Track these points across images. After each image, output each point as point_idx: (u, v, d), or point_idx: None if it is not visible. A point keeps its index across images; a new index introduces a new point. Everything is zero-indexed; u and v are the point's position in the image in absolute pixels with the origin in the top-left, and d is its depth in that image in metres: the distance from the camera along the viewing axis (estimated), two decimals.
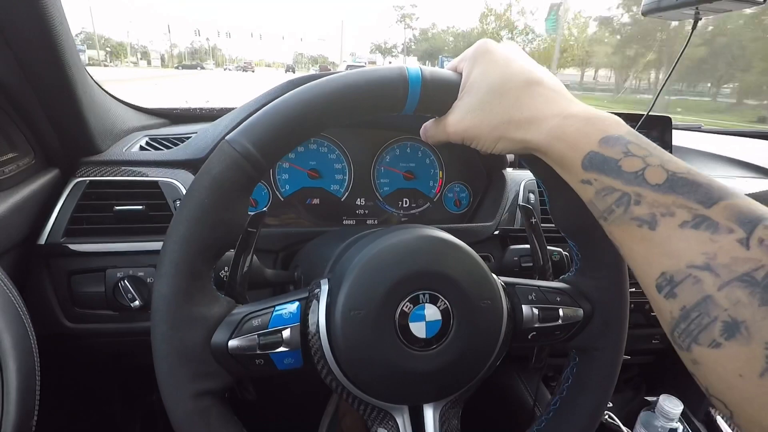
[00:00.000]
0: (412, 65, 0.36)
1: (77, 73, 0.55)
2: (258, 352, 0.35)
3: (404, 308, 0.35)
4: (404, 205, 0.76)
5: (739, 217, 0.26)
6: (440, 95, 0.37)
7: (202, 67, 48.74)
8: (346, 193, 0.73)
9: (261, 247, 0.62)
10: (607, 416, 0.79)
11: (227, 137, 0.34)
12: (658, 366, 0.95)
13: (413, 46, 63.21)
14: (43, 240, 0.56)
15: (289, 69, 54.09)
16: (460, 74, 0.37)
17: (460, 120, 0.37)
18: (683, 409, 0.81)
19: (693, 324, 0.25)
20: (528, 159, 0.40)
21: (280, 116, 0.34)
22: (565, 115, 0.33)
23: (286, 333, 0.36)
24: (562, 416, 0.45)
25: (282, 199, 0.70)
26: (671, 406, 0.81)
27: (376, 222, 0.75)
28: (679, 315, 0.26)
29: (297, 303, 0.37)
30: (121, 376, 0.90)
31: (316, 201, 0.72)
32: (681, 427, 0.82)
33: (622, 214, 0.30)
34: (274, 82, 0.62)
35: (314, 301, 0.37)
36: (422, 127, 0.42)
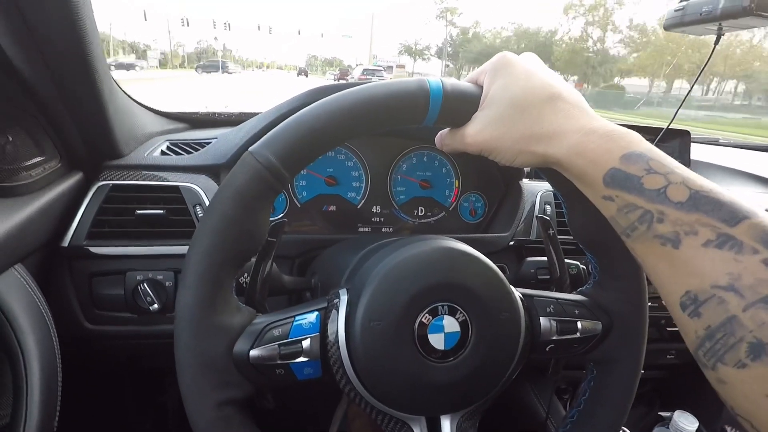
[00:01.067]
0: (433, 77, 0.37)
1: (105, 80, 0.56)
2: (279, 362, 0.35)
3: (423, 320, 0.36)
4: (420, 214, 0.76)
5: (763, 237, 0.26)
6: (461, 108, 0.37)
7: (226, 70, 40.80)
8: (363, 201, 0.73)
9: (278, 254, 0.62)
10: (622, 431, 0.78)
11: (251, 149, 0.35)
12: (673, 381, 0.94)
13: (449, 49, 54.89)
14: (66, 242, 0.58)
15: (302, 72, 50.53)
16: (481, 87, 0.38)
17: (479, 132, 0.37)
18: (698, 426, 0.79)
19: (718, 344, 0.26)
20: (547, 172, 0.40)
21: (302, 128, 0.35)
22: (586, 131, 0.33)
23: (306, 343, 0.36)
24: (580, 430, 0.44)
25: (299, 206, 0.71)
26: (686, 422, 0.80)
27: (391, 230, 0.75)
28: (704, 334, 0.27)
29: (316, 313, 0.38)
30: (134, 377, 0.91)
31: (332, 208, 0.72)
32: None
33: (645, 232, 0.30)
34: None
35: (333, 311, 0.37)
36: (438, 135, 0.42)
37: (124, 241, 0.60)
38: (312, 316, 0.37)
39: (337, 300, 0.38)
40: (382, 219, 0.75)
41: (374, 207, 0.74)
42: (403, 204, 0.75)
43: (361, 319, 0.35)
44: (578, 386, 0.48)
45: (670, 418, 0.82)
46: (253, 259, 0.44)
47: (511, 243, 0.70)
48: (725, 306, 0.26)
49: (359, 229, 0.74)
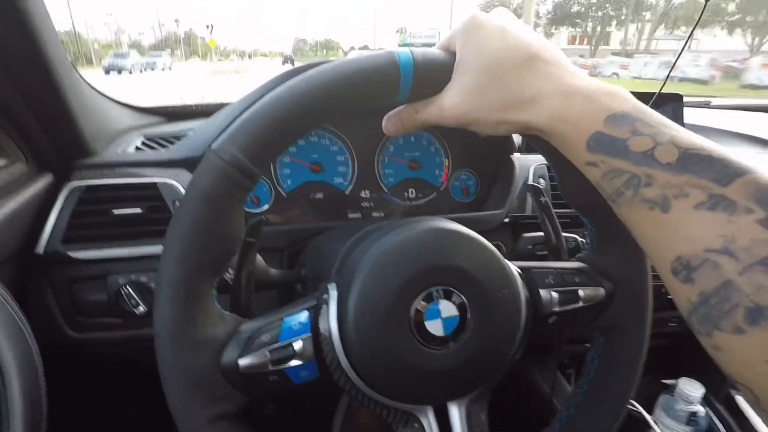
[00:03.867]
0: (403, 49, 0.34)
1: (64, 72, 0.53)
2: (271, 368, 0.33)
3: (418, 306, 0.34)
4: (410, 196, 0.74)
5: (758, 195, 0.24)
6: (434, 78, 0.34)
7: (151, 67, 28.61)
8: (350, 186, 0.71)
9: (265, 246, 0.60)
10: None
11: (213, 146, 0.32)
12: (676, 349, 0.93)
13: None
14: (41, 249, 0.55)
15: (287, 60, 46.27)
16: (453, 53, 0.35)
17: (456, 103, 0.34)
18: (704, 392, 0.79)
19: (713, 309, 0.25)
20: (533, 138, 0.37)
21: (266, 117, 0.32)
22: (567, 93, 0.31)
23: (297, 345, 0.34)
24: (593, 399, 0.43)
25: (284, 195, 0.68)
26: (692, 389, 0.79)
27: (382, 214, 0.73)
28: (698, 300, 0.25)
29: (306, 312, 0.36)
30: (132, 382, 0.89)
31: (319, 195, 0.70)
32: (702, 409, 0.81)
33: (632, 197, 0.28)
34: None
35: (324, 308, 0.35)
36: (389, 116, 0.39)
37: (103, 244, 0.57)
38: (302, 316, 0.35)
39: (327, 296, 0.36)
40: (371, 204, 0.72)
41: (363, 192, 0.72)
42: (392, 187, 0.73)
43: (353, 313, 0.33)
44: (582, 360, 0.46)
45: (675, 386, 0.82)
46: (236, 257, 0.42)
47: (506, 220, 0.68)
48: (719, 270, 0.24)
49: (349, 216, 0.72)
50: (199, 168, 0.32)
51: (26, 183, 0.55)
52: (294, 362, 0.34)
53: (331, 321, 0.34)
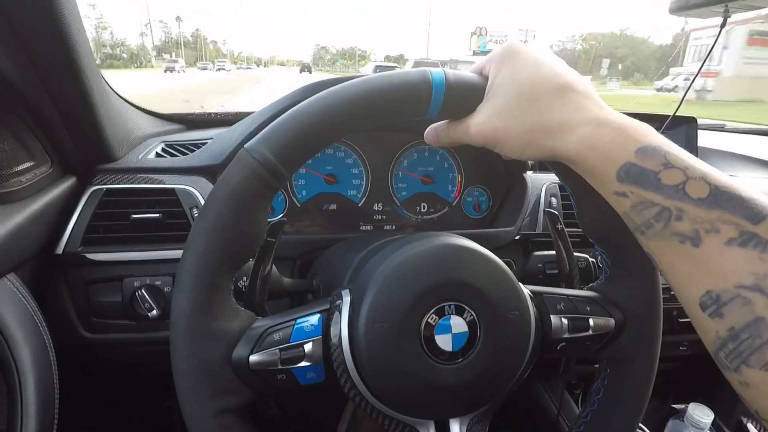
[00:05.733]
0: (436, 69, 0.35)
1: (93, 79, 0.54)
2: (280, 367, 0.34)
3: (429, 320, 0.34)
4: (422, 210, 0.74)
5: None
6: (465, 99, 0.36)
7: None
8: (364, 199, 0.72)
9: (278, 255, 0.60)
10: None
11: (246, 145, 0.33)
12: (686, 373, 0.92)
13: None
14: (60, 249, 0.56)
15: (305, 69, 45.12)
16: (486, 77, 0.36)
17: (484, 123, 0.35)
18: (714, 419, 0.77)
19: (743, 345, 0.25)
20: (556, 165, 0.38)
21: (300, 123, 0.33)
22: (598, 123, 0.32)
23: (308, 347, 0.35)
24: (595, 429, 0.43)
25: (299, 206, 0.69)
26: (701, 415, 0.78)
27: (393, 227, 0.74)
28: (727, 335, 0.26)
29: (318, 315, 0.36)
30: (138, 384, 0.90)
31: (333, 207, 0.71)
32: None
33: (662, 230, 0.29)
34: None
35: (336, 313, 0.36)
36: (429, 128, 0.41)
37: (120, 247, 0.58)
38: (314, 319, 0.36)
39: (340, 301, 0.36)
40: (384, 216, 0.73)
41: (376, 204, 0.72)
42: (405, 200, 0.73)
43: (364, 321, 0.34)
44: (590, 382, 0.46)
45: (684, 411, 0.80)
46: (252, 261, 0.43)
47: (517, 237, 0.68)
48: (751, 307, 0.25)
49: (361, 228, 0.72)
50: (230, 165, 0.33)
51: (51, 185, 0.56)
52: (303, 363, 0.34)
53: (342, 326, 0.35)
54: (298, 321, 0.36)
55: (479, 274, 0.36)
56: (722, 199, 0.27)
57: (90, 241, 0.57)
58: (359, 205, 0.71)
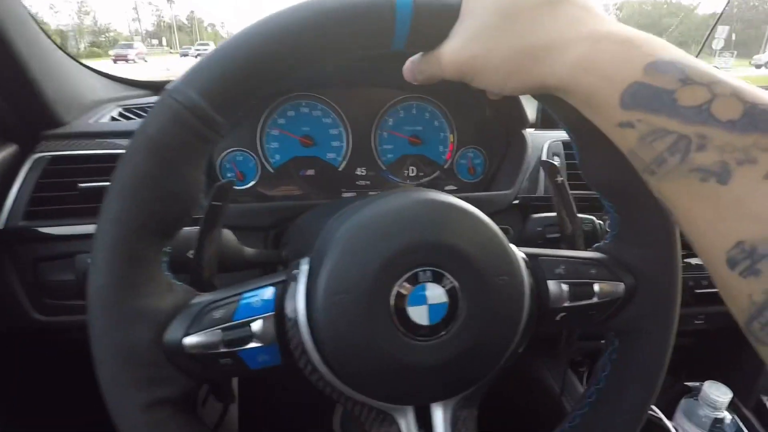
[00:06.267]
0: None
1: (19, 32, 0.48)
2: (223, 350, 0.29)
3: (401, 290, 0.29)
4: (411, 174, 0.68)
5: None
6: (437, 23, 0.29)
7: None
8: (344, 162, 0.65)
9: (248, 225, 0.55)
10: None
11: (168, 86, 0.27)
12: (702, 349, 0.86)
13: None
14: (1, 224, 0.51)
15: None
16: None
17: (459, 49, 0.29)
18: (732, 397, 0.72)
19: None
20: (550, 100, 0.32)
21: (232, 56, 0.27)
22: (596, 38, 0.25)
23: (256, 325, 0.29)
24: (600, 412, 0.38)
25: (272, 171, 0.63)
26: (718, 393, 0.73)
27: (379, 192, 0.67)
28: (764, 300, 0.20)
29: (272, 288, 0.31)
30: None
31: (310, 172, 0.65)
32: (728, 416, 0.74)
33: (678, 165, 0.22)
34: None
35: (292, 285, 0.30)
36: (407, 62, 0.34)
37: (70, 220, 0.53)
38: (266, 293, 0.30)
39: (297, 271, 0.31)
40: (368, 182, 0.66)
41: (358, 169, 0.66)
42: (391, 164, 0.67)
43: (323, 292, 0.28)
44: (596, 359, 0.41)
45: (699, 389, 0.75)
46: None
47: (515, 201, 0.62)
48: None
49: (343, 194, 0.66)
50: (150, 112, 0.27)
51: None
52: (252, 344, 0.29)
53: (298, 299, 0.30)
54: (246, 296, 0.30)
55: (459, 234, 0.30)
56: (762, 119, 0.20)
57: (34, 214, 0.52)
58: (339, 169, 0.65)
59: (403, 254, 0.29)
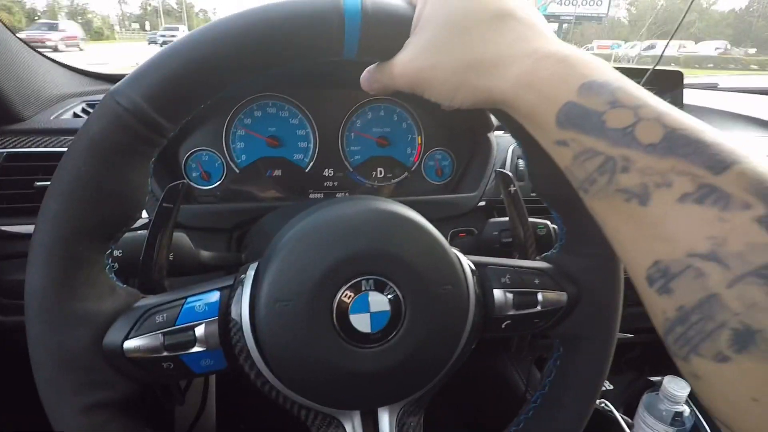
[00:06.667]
0: None
1: None
2: (164, 354, 0.29)
3: (343, 297, 0.29)
4: (378, 176, 0.68)
5: (757, 187, 0.20)
6: (387, 33, 0.30)
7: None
8: (311, 163, 0.65)
9: (211, 226, 0.55)
10: (603, 404, 0.73)
11: (112, 89, 0.27)
12: (663, 345, 0.89)
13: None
14: None
15: None
16: (414, 7, 0.30)
17: (410, 61, 0.29)
18: (690, 391, 0.75)
19: (693, 330, 0.20)
20: (499, 113, 0.32)
21: (178, 59, 0.27)
22: (539, 56, 0.26)
23: (199, 330, 0.30)
24: (543, 416, 0.39)
25: (238, 171, 0.63)
26: (677, 388, 0.76)
27: (347, 195, 0.67)
28: (676, 316, 0.21)
29: (218, 292, 0.31)
30: None
31: (277, 172, 0.64)
32: (687, 409, 0.77)
33: (606, 185, 0.23)
34: None
35: (238, 290, 0.31)
36: (365, 72, 0.34)
37: (27, 219, 0.52)
38: (211, 297, 0.31)
39: (243, 276, 0.31)
40: (335, 183, 0.67)
41: (326, 170, 0.66)
42: (358, 165, 0.67)
43: (265, 299, 0.29)
44: None
45: (660, 384, 0.78)
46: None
47: (481, 203, 0.63)
48: (704, 281, 0.20)
49: (310, 196, 0.66)
50: (92, 114, 0.27)
51: None
52: (195, 349, 0.29)
53: (243, 305, 0.30)
54: (189, 300, 0.30)
55: (404, 243, 0.31)
56: (679, 144, 0.21)
57: None
58: (306, 170, 0.65)
59: (345, 263, 0.29)
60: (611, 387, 0.79)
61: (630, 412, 0.80)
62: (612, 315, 0.37)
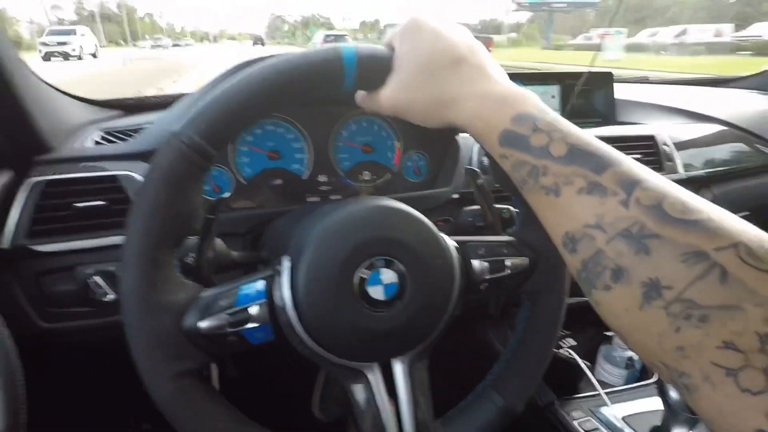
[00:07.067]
0: (347, 44, 0.39)
1: (16, 68, 0.54)
2: (229, 330, 0.37)
3: (362, 274, 0.38)
4: (365, 178, 0.78)
5: (621, 181, 0.30)
6: (376, 72, 0.40)
7: None
8: (308, 171, 0.74)
9: (227, 231, 0.63)
10: (567, 353, 0.86)
11: (174, 130, 0.36)
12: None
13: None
14: (6, 244, 0.56)
15: (257, 41, 44.32)
16: (393, 48, 0.40)
17: (391, 96, 0.40)
18: None
19: (590, 273, 0.30)
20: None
21: (223, 104, 0.36)
22: (483, 96, 0.37)
23: (253, 309, 0.38)
24: (520, 353, 0.49)
25: (245, 183, 0.71)
26: None
27: (340, 197, 0.77)
28: (580, 266, 0.31)
29: (262, 281, 0.40)
30: (109, 370, 0.91)
31: (278, 181, 0.73)
32: (636, 355, 0.90)
33: (533, 185, 0.34)
34: None
35: (278, 278, 0.39)
36: (357, 94, 0.45)
37: (68, 237, 0.59)
38: (259, 284, 0.39)
39: (280, 266, 0.40)
40: (329, 187, 0.76)
41: (320, 176, 0.75)
42: (348, 170, 0.77)
43: (303, 281, 0.38)
44: None
45: (613, 336, 0.92)
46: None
47: (455, 196, 0.73)
48: (593, 242, 0.30)
49: (308, 200, 0.75)
50: (159, 150, 0.36)
51: None
52: (251, 324, 0.38)
53: (284, 289, 0.38)
54: (242, 288, 0.39)
55: (403, 230, 0.40)
56: (576, 155, 0.32)
57: (36, 233, 0.58)
58: (304, 178, 0.74)
59: (361, 247, 0.39)
60: (575, 343, 0.92)
61: (591, 361, 0.91)
62: (562, 272, 0.48)
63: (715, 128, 1.02)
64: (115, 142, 0.68)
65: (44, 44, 20.29)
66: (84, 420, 0.88)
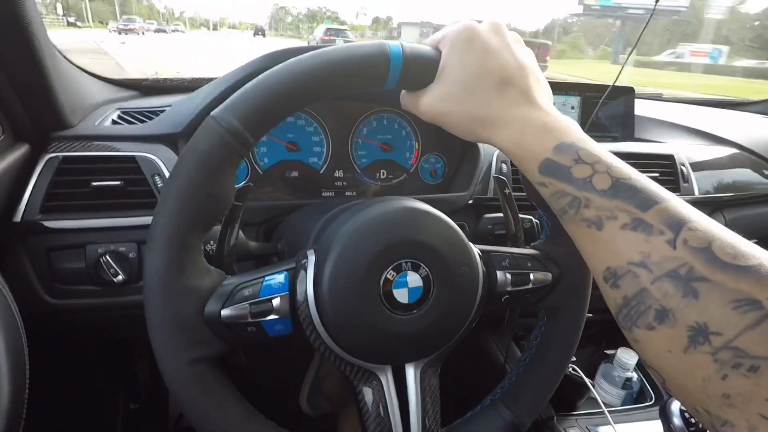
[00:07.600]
0: (394, 41, 0.37)
1: (45, 45, 0.53)
2: (250, 320, 0.37)
3: (388, 276, 0.38)
4: (381, 177, 0.77)
5: (668, 220, 0.30)
6: (420, 73, 0.39)
7: None
8: (325, 166, 0.74)
9: (243, 220, 0.62)
10: (570, 369, 0.86)
11: (213, 113, 0.35)
12: (616, 324, 1.02)
13: None
14: (18, 217, 0.56)
15: (258, 32, 45.35)
16: (440, 53, 0.39)
17: (432, 105, 0.39)
18: (638, 360, 0.88)
19: (633, 311, 0.30)
20: None
21: (265, 91, 0.35)
22: (524, 122, 0.36)
23: (276, 301, 0.38)
24: (533, 369, 0.49)
25: (261, 173, 0.71)
26: (627, 357, 0.88)
27: (354, 194, 0.77)
28: (622, 302, 0.31)
29: (285, 273, 0.39)
30: (104, 349, 0.91)
31: (295, 174, 0.73)
32: (635, 376, 0.89)
33: (574, 215, 0.34)
34: None
35: (302, 272, 0.39)
36: (402, 94, 0.44)
37: (82, 214, 0.58)
38: (281, 277, 0.39)
39: (305, 260, 0.39)
40: (345, 183, 0.76)
41: (337, 171, 0.75)
42: (365, 167, 0.76)
43: (328, 278, 0.37)
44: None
45: (613, 355, 0.91)
46: (219, 226, 0.45)
47: (470, 202, 0.73)
48: (638, 279, 0.30)
49: (323, 194, 0.75)
50: (197, 132, 0.35)
51: (3, 152, 0.55)
52: (271, 317, 0.37)
53: (308, 283, 0.38)
54: (267, 278, 0.39)
55: (433, 234, 0.40)
56: (621, 190, 0.32)
57: (50, 208, 0.57)
58: (321, 172, 0.74)
59: (390, 249, 0.38)
60: (574, 359, 0.91)
61: (590, 379, 0.93)
62: (585, 290, 0.47)
63: (730, 151, 1.02)
64: (132, 122, 0.68)
65: None
66: (72, 401, 0.88)
